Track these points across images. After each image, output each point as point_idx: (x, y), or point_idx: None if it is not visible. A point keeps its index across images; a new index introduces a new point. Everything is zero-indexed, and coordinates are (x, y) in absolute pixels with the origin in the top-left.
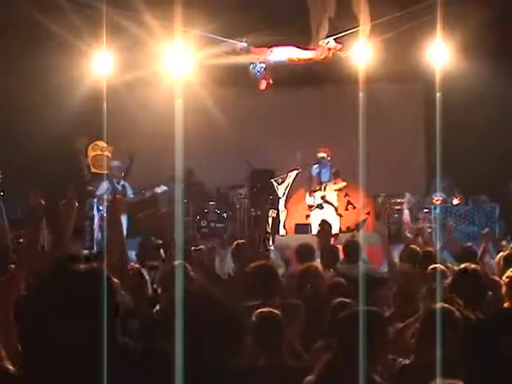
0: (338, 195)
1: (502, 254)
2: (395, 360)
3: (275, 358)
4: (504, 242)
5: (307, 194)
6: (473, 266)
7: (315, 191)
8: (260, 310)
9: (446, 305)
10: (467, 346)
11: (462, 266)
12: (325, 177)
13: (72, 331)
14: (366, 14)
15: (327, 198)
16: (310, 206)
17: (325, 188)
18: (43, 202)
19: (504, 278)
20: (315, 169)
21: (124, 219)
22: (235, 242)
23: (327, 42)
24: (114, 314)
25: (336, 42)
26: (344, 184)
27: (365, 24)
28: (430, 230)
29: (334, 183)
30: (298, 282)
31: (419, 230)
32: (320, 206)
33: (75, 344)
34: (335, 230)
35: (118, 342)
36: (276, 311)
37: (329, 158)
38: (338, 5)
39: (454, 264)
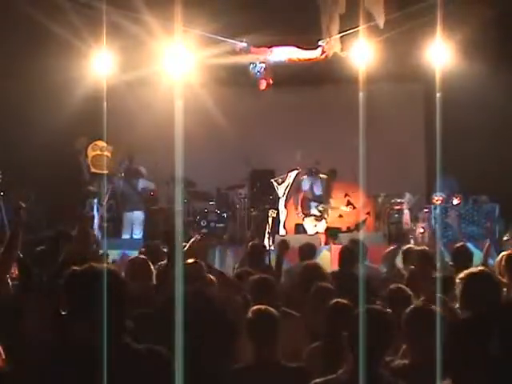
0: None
1: (503, 253)
2: (392, 361)
3: (267, 355)
4: (505, 238)
5: (297, 213)
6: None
7: (307, 216)
8: (257, 307)
9: (426, 303)
10: (456, 347)
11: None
12: (317, 191)
13: (82, 330)
14: (381, 7)
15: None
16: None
17: (320, 211)
18: (24, 205)
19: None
20: (306, 181)
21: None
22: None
23: (327, 42)
24: (121, 314)
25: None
26: (346, 209)
27: (380, 18)
28: (422, 231)
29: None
30: (301, 278)
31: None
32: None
33: (82, 342)
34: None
35: (122, 342)
36: (272, 309)
37: (319, 174)
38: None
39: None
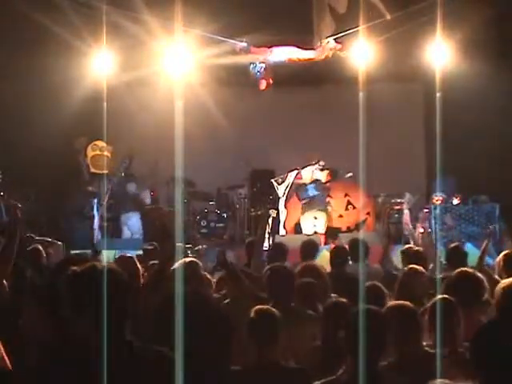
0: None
1: (502, 254)
2: None
3: (269, 356)
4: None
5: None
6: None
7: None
8: (258, 307)
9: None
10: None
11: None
12: (317, 176)
13: (81, 329)
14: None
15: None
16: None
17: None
18: (19, 205)
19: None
20: (307, 171)
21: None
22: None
23: (327, 42)
24: (124, 313)
25: (336, 42)
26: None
27: (384, 15)
28: (422, 231)
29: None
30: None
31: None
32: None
33: (84, 342)
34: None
35: (125, 341)
36: (274, 309)
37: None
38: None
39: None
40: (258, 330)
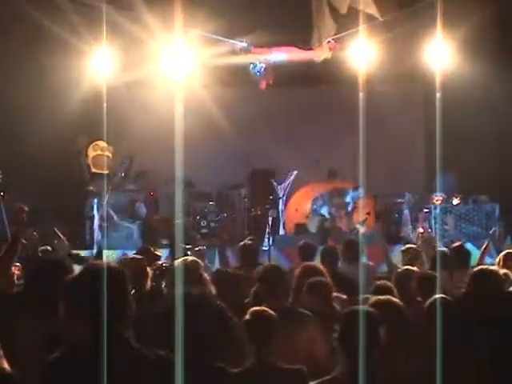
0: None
1: (502, 253)
2: None
3: (265, 357)
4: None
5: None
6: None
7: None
8: (254, 308)
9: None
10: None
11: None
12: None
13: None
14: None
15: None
16: None
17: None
18: (26, 208)
19: None
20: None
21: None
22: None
23: (327, 42)
24: (124, 315)
25: (336, 42)
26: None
27: (375, 17)
28: (422, 231)
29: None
30: (298, 280)
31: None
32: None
33: (84, 343)
34: None
35: (125, 342)
36: (270, 311)
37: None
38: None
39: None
40: (253, 331)
